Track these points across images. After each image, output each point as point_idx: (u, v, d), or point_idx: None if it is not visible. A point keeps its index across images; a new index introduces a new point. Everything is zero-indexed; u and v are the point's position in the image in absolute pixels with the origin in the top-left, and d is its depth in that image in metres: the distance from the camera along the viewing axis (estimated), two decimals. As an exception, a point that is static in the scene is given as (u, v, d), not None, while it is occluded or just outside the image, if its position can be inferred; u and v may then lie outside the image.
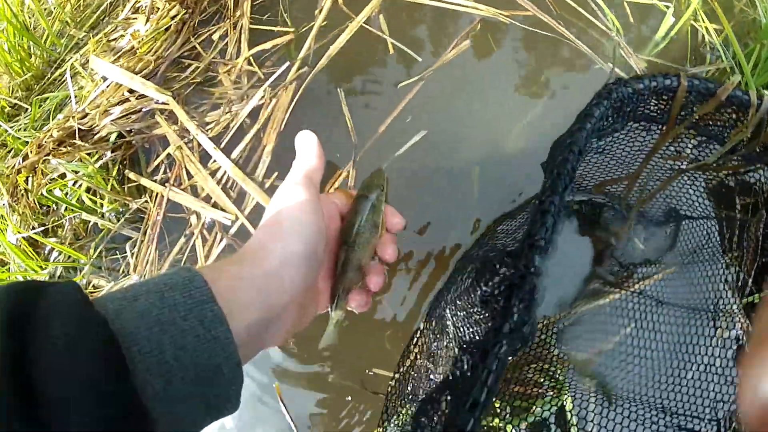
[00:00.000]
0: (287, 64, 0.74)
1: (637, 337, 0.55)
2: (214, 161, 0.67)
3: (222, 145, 0.69)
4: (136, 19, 0.84)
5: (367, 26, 0.76)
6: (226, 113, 0.71)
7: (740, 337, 0.55)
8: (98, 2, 0.95)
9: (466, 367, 0.38)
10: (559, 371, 0.56)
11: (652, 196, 0.56)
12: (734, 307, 0.56)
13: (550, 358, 0.56)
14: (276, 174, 0.66)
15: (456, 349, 0.46)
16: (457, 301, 0.48)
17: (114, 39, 0.84)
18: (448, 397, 0.38)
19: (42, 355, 0.22)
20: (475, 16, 0.77)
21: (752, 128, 0.44)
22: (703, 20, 0.72)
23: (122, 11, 0.88)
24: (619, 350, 0.55)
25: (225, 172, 0.67)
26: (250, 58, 0.76)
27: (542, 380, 0.55)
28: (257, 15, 0.81)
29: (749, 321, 0.56)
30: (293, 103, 0.71)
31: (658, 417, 0.52)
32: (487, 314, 0.42)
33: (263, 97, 0.71)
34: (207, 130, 0.70)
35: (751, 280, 0.58)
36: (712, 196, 0.61)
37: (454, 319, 0.48)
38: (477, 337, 0.43)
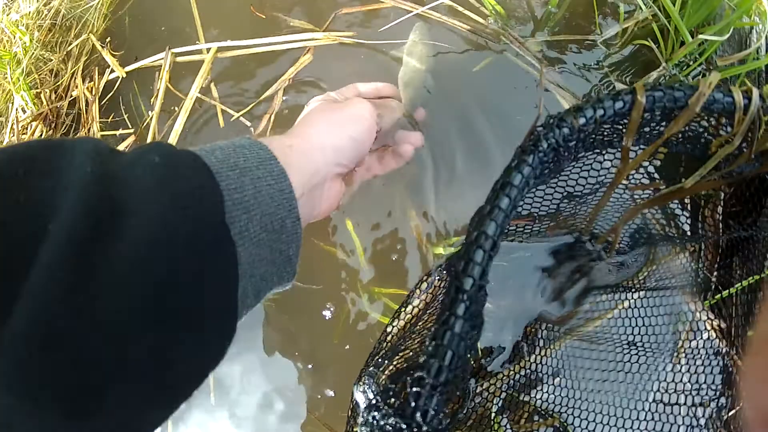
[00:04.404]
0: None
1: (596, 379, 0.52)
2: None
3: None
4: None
5: (202, 97, 0.68)
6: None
7: (712, 340, 0.51)
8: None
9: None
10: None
11: (619, 226, 0.48)
12: (698, 314, 0.51)
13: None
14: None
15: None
16: None
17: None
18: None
19: (135, 176, 0.24)
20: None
21: (741, 137, 0.34)
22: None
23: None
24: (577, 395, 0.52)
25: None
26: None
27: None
28: (104, 119, 0.73)
29: (721, 318, 0.51)
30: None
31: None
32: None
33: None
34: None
35: (714, 275, 0.51)
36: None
37: None
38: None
